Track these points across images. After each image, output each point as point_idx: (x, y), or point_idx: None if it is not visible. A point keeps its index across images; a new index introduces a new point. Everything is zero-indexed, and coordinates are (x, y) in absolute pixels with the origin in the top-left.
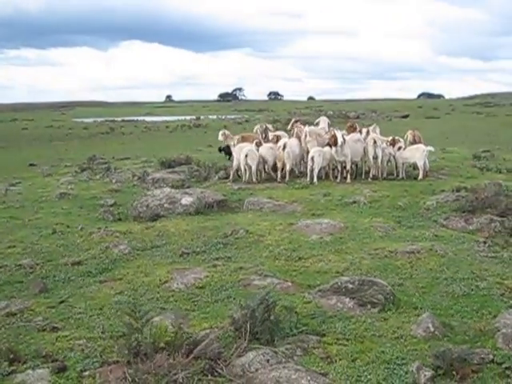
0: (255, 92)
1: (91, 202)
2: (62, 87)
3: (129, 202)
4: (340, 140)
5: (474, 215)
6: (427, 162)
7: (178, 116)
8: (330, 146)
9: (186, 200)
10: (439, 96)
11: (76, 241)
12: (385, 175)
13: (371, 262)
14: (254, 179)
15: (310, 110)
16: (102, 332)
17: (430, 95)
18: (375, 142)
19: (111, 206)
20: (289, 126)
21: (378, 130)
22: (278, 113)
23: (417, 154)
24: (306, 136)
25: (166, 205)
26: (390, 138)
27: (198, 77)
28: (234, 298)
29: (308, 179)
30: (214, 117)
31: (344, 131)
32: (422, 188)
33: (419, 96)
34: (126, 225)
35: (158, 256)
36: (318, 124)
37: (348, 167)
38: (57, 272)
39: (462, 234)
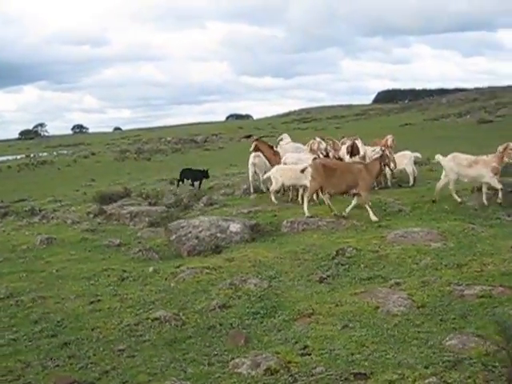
0: (57, 127)
1: (88, 244)
2: None
3: (132, 240)
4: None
5: None
6: (415, 168)
7: None
8: None
9: (235, 227)
10: (248, 116)
11: (168, 284)
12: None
13: None
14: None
15: (128, 139)
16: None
17: (238, 116)
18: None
19: (118, 245)
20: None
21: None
22: (95, 146)
23: (404, 161)
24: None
25: (218, 234)
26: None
27: None
28: (476, 312)
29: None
30: (45, 153)
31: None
32: (432, 193)
33: (227, 118)
34: (194, 260)
35: (298, 285)
36: (281, 140)
37: None
38: (215, 319)
39: None
